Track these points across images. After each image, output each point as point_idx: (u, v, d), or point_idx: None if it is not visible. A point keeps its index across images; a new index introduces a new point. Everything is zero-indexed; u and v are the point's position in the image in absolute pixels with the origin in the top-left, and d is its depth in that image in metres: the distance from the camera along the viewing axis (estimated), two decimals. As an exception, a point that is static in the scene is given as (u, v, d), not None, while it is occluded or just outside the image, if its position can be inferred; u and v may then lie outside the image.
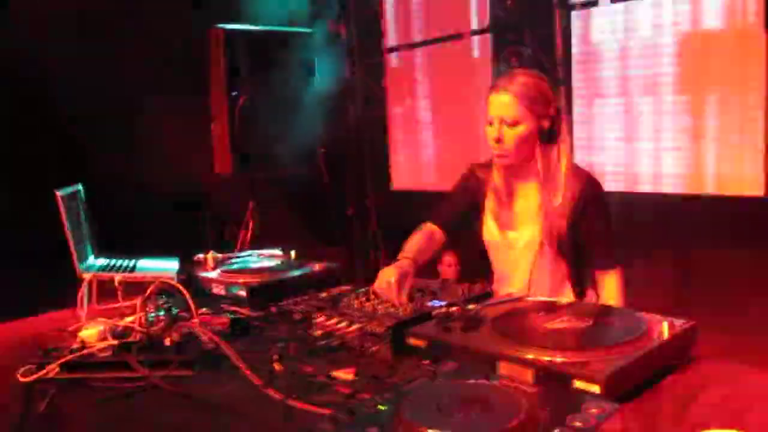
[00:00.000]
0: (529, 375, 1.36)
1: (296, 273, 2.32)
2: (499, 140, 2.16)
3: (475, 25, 4.72)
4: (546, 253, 2.20)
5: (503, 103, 2.13)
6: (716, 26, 3.55)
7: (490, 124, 2.18)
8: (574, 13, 4.11)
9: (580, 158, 3.26)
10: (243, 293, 2.17)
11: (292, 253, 2.53)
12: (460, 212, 2.41)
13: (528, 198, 2.26)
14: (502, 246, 2.30)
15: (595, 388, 1.27)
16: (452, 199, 2.44)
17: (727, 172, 3.59)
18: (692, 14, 3.62)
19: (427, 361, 1.55)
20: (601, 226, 2.19)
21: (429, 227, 2.38)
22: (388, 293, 1.94)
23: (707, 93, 3.63)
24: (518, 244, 2.26)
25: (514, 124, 2.13)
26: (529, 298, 1.82)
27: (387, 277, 1.98)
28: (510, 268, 2.31)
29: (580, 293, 2.24)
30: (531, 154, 2.18)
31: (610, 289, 2.20)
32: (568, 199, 2.15)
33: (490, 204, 2.32)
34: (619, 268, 2.21)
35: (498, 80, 2.21)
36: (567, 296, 2.19)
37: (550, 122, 2.13)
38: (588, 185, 2.18)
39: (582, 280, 2.26)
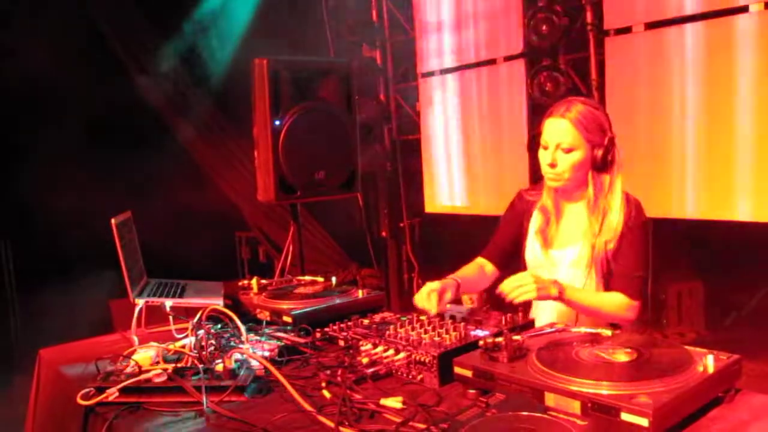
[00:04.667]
0: (576, 407, 1.38)
1: (340, 300, 2.36)
2: (552, 165, 2.16)
3: (509, 51, 4.77)
4: (591, 277, 2.18)
5: (560, 128, 2.13)
6: (749, 49, 3.54)
7: (545, 148, 2.18)
8: (608, 39, 4.13)
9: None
10: (288, 319, 2.22)
11: (333, 280, 2.57)
12: (510, 242, 2.42)
13: (575, 218, 2.26)
14: (545, 265, 2.27)
15: (644, 421, 1.29)
16: (501, 230, 2.45)
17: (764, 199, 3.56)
18: (724, 38, 3.63)
19: (473, 391, 1.58)
20: (635, 254, 2.15)
21: (481, 261, 2.44)
22: (426, 302, 2.05)
23: (741, 117, 3.61)
24: (562, 262, 2.24)
25: (570, 150, 2.13)
26: (573, 329, 1.83)
27: (429, 287, 2.10)
28: None
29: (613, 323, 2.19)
30: (583, 180, 2.19)
31: (613, 298, 2.14)
32: (616, 225, 2.14)
33: (535, 222, 2.32)
34: (638, 303, 2.15)
35: (555, 105, 2.19)
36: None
37: (604, 151, 2.12)
38: (636, 213, 2.16)
39: None
